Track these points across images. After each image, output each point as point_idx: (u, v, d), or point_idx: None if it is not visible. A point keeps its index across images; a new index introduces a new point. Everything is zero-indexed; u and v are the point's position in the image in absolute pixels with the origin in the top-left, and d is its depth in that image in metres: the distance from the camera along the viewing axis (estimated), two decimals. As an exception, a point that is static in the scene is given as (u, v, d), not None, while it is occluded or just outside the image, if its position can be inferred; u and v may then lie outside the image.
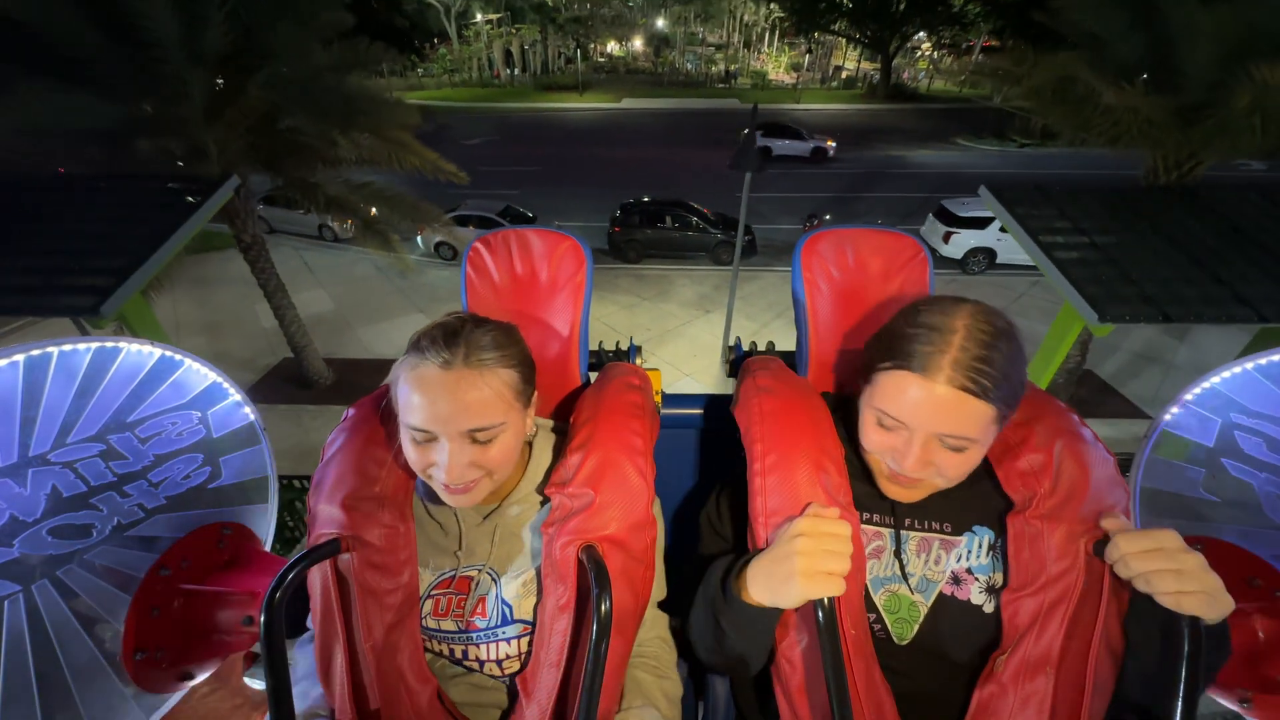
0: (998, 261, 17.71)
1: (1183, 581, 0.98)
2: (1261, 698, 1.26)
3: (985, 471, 1.37)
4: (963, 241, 17.40)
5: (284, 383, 12.95)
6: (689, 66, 61.50)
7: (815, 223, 16.13)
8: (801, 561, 1.08)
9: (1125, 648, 1.16)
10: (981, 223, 17.21)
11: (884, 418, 1.24)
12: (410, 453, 1.24)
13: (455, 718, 1.36)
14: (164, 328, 14.00)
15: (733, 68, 61.49)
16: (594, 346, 1.93)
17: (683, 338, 14.59)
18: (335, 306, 16.33)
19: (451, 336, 1.20)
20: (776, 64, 63.72)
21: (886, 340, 1.27)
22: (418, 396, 1.18)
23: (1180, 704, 0.94)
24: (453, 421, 1.18)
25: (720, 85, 56.12)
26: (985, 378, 1.13)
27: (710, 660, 1.38)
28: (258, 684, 1.83)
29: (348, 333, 15.11)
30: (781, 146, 28.80)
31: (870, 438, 1.28)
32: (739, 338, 1.92)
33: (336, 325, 15.35)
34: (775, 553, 1.15)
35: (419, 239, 18.96)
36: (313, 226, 20.67)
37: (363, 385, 12.43)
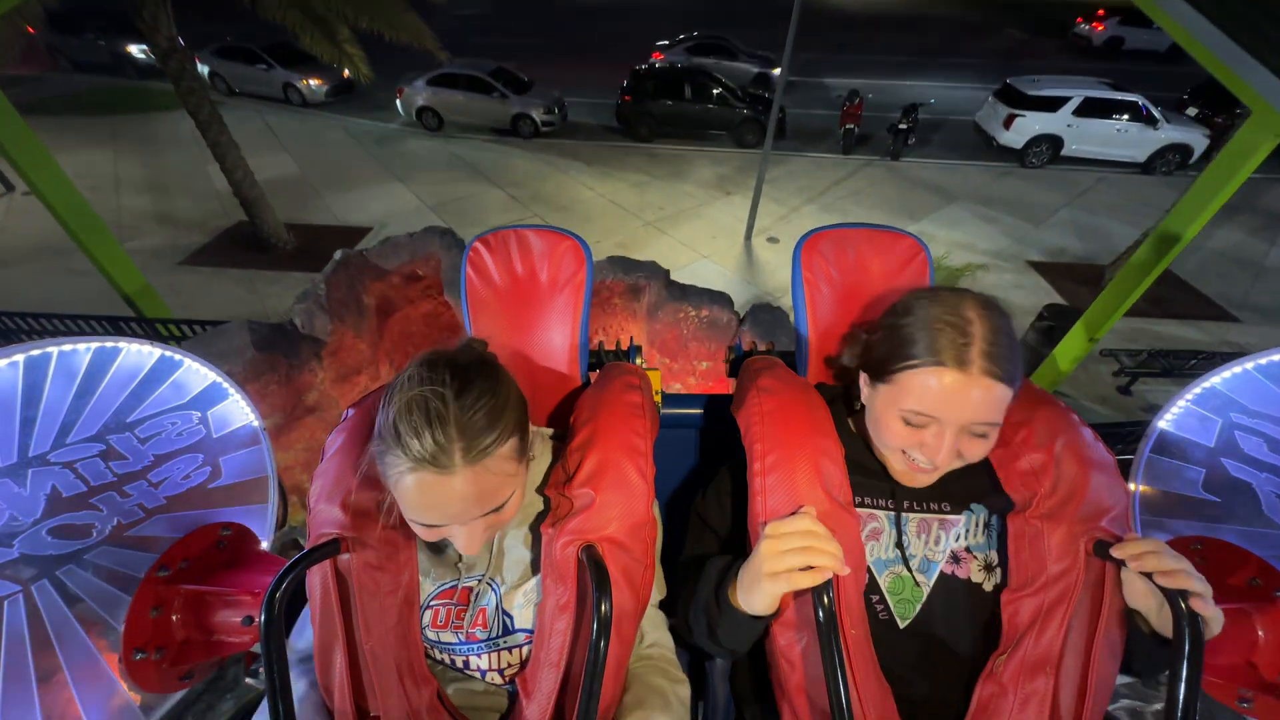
0: (1064, 154, 16.34)
1: (1188, 580, 1.03)
2: (1262, 698, 1.28)
3: None
4: (1027, 127, 16.02)
5: (237, 246, 12.39)
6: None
7: (857, 100, 15.37)
8: (765, 564, 1.15)
9: (1125, 648, 1.20)
10: (1053, 104, 15.91)
11: (913, 416, 1.27)
12: (418, 530, 1.21)
13: (455, 718, 1.36)
14: (102, 184, 13.80)
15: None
16: (594, 346, 1.93)
17: (700, 218, 13.92)
18: (301, 171, 15.58)
19: (439, 425, 1.09)
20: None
21: (898, 339, 1.31)
22: (416, 500, 1.13)
23: (1181, 701, 0.96)
24: (463, 516, 1.16)
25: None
26: (1008, 362, 1.22)
27: (704, 648, 1.44)
28: (258, 684, 1.83)
29: (314, 199, 14.39)
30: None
31: (895, 435, 1.31)
32: (740, 338, 1.94)
33: (301, 191, 14.64)
34: (748, 563, 1.22)
35: (398, 103, 17.81)
36: (277, 87, 19.50)
37: (327, 253, 10.92)
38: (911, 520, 1.41)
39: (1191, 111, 17.32)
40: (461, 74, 17.13)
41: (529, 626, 1.38)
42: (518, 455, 1.23)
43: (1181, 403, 1.65)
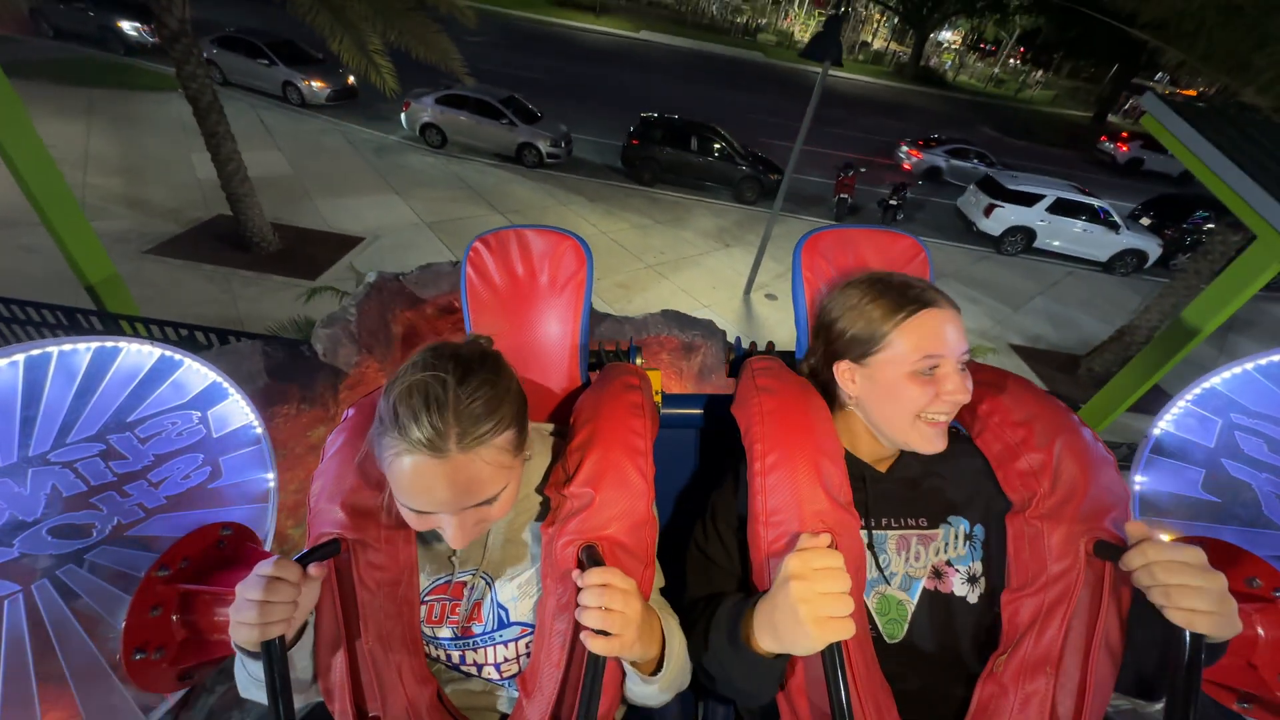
0: (1035, 245, 17.65)
1: (1202, 600, 1.01)
2: (1261, 698, 1.29)
3: (961, 451, 1.49)
4: (1005, 217, 17.26)
5: (215, 240, 11.47)
6: (714, 10, 59.96)
7: (851, 173, 15.91)
8: (805, 609, 1.09)
9: (1125, 648, 1.22)
10: (1029, 199, 17.23)
11: (923, 362, 1.35)
12: (408, 517, 1.24)
13: (456, 718, 1.39)
14: (69, 158, 12.95)
15: (761, 21, 60.28)
16: (593, 346, 1.96)
17: (700, 267, 13.97)
18: (293, 172, 14.86)
19: (436, 410, 1.13)
20: (804, 27, 62.91)
21: (872, 308, 1.43)
22: (409, 483, 1.15)
23: (1178, 714, 0.98)
24: (453, 504, 1.18)
25: (745, 37, 54.54)
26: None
27: (726, 695, 1.43)
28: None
29: (304, 202, 13.68)
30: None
31: (913, 397, 1.37)
32: (739, 337, 1.95)
33: (291, 192, 13.94)
34: (775, 600, 1.16)
35: (403, 116, 17.44)
36: (276, 84, 18.70)
37: (314, 259, 11.36)
38: (890, 537, 1.42)
39: (1145, 221, 19.16)
40: (472, 97, 17.02)
41: (524, 620, 1.40)
42: (513, 449, 1.25)
43: (1181, 403, 1.67)
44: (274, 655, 1.11)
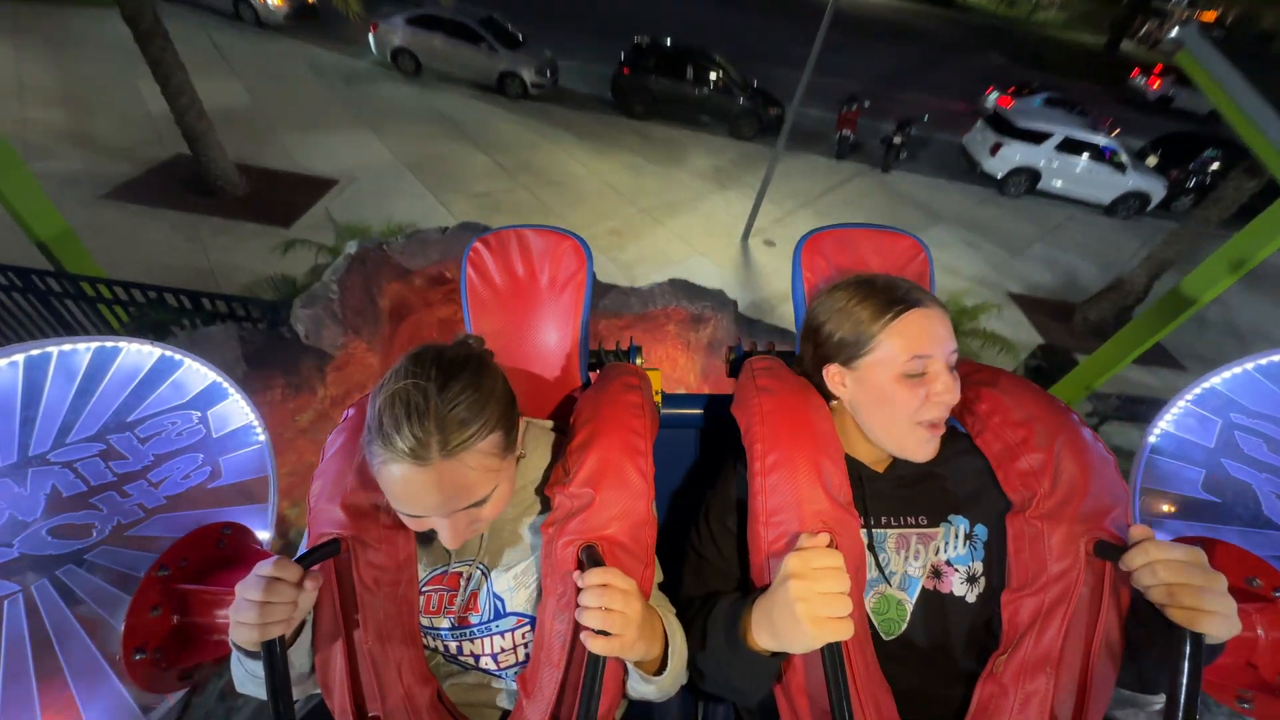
0: (1039, 187, 17.41)
1: (1204, 600, 1.01)
2: (1261, 698, 1.30)
3: (960, 449, 1.51)
4: (1010, 157, 17.00)
5: (176, 183, 10.57)
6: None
7: (854, 107, 15.44)
8: (803, 608, 1.09)
9: (1125, 648, 1.23)
10: (1037, 137, 16.96)
11: (912, 363, 1.37)
12: (403, 518, 1.26)
13: (456, 718, 1.40)
14: (1, 87, 11.96)
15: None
16: (594, 345, 1.95)
17: (696, 212, 13.52)
18: (254, 103, 13.88)
19: (417, 418, 1.13)
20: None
21: (859, 310, 1.44)
22: (398, 491, 1.18)
23: (1180, 714, 0.98)
24: (442, 508, 1.20)
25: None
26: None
27: (721, 695, 1.48)
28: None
29: (269, 138, 12.71)
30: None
31: (905, 400, 1.39)
32: (739, 337, 1.95)
33: (254, 127, 12.89)
34: (774, 598, 1.17)
35: (371, 39, 16.41)
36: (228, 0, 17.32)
37: (286, 204, 10.82)
38: (890, 536, 1.44)
39: (1151, 161, 18.86)
40: (446, 18, 16.11)
41: (521, 610, 1.42)
42: (500, 451, 1.26)
43: (1181, 403, 1.67)
44: (274, 655, 1.12)
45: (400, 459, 1.13)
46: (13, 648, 1.38)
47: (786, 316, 9.68)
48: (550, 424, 1.65)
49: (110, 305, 5.59)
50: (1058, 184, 17.35)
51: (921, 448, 1.41)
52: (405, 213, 9.89)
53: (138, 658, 1.43)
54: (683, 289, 4.91)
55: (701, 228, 13.05)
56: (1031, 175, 17.23)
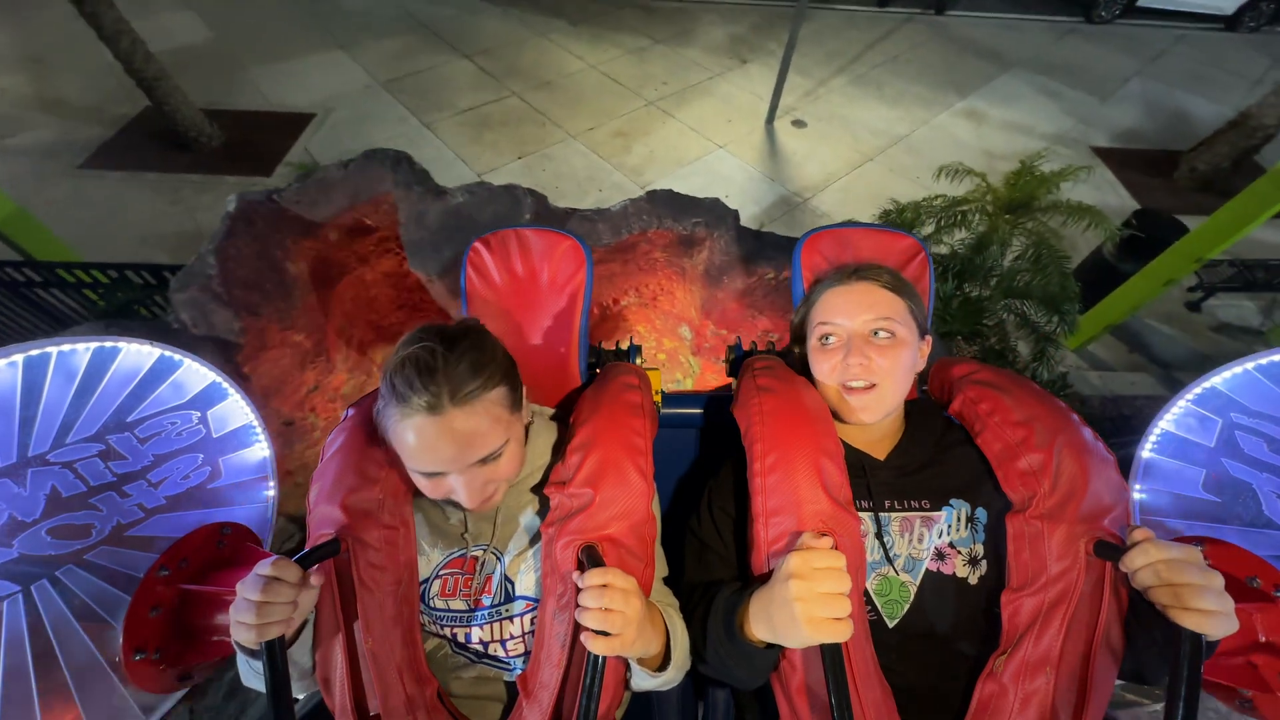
0: (1138, 3, 13.80)
1: (1203, 599, 1.03)
2: (1261, 698, 1.29)
3: (957, 440, 1.54)
4: None
5: (150, 140, 9.47)
6: None
7: None
8: (801, 608, 1.12)
9: (1125, 648, 1.25)
10: None
11: (824, 329, 1.56)
12: (422, 485, 1.32)
13: (456, 717, 1.41)
14: None
15: None
16: (593, 344, 1.97)
17: (712, 95, 11.29)
18: (214, 35, 11.95)
19: (428, 375, 1.22)
20: None
21: (813, 292, 1.66)
22: (415, 446, 1.24)
23: (1180, 712, 0.99)
24: (458, 460, 1.26)
25: None
26: (881, 271, 1.58)
27: (720, 679, 1.49)
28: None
29: (237, 74, 11.03)
30: None
31: (820, 368, 1.56)
32: (739, 337, 1.96)
33: (218, 63, 11.23)
34: (773, 595, 1.19)
35: None
36: None
37: (265, 148, 9.52)
38: (894, 519, 1.46)
39: None
40: None
41: (529, 594, 1.45)
42: (508, 405, 1.34)
43: (1181, 403, 1.67)
44: (274, 655, 1.14)
45: (416, 412, 1.22)
46: (13, 648, 1.40)
47: (820, 210, 8.73)
48: (550, 410, 1.69)
49: (79, 289, 5.35)
50: (1159, 1, 13.50)
51: (853, 413, 1.52)
52: (389, 142, 9.10)
53: (138, 658, 1.44)
54: (665, 203, 3.71)
55: (720, 115, 10.92)
56: (1130, -8, 13.34)
